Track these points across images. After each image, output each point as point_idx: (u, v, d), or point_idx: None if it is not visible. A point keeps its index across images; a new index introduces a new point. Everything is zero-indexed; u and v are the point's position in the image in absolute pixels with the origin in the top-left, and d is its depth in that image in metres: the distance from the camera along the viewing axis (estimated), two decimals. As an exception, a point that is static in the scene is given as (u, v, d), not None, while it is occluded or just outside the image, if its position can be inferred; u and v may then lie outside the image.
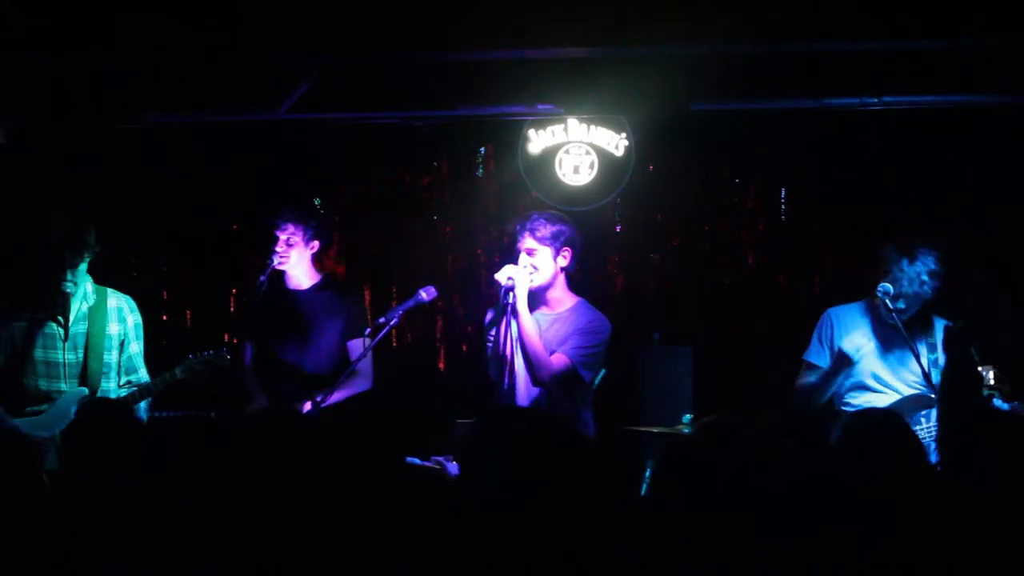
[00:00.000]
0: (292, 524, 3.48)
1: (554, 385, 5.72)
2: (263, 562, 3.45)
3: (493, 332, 5.83)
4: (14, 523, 3.62)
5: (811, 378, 5.95)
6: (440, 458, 5.66)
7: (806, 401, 5.93)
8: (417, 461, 5.57)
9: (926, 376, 5.80)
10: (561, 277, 5.86)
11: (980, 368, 5.78)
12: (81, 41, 5.92)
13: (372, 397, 6.40)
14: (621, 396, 7.27)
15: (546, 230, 5.79)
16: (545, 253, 5.80)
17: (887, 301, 5.76)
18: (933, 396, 5.80)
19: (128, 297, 6.25)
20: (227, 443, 3.90)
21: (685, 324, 7.56)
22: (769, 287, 7.47)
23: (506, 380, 5.72)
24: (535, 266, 5.79)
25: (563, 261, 5.83)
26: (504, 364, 5.71)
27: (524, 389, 5.78)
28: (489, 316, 5.98)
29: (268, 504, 3.57)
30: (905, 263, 5.77)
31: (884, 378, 5.93)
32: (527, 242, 5.80)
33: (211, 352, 6.12)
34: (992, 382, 5.85)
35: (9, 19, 5.83)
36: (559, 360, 5.72)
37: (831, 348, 5.96)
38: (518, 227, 5.86)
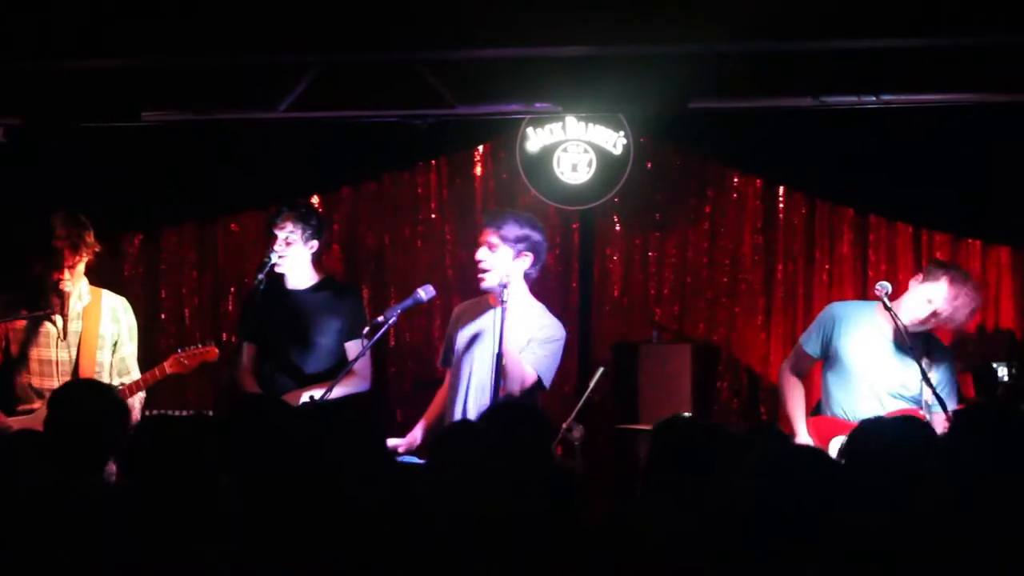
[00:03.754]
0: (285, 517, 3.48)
1: (517, 393, 5.64)
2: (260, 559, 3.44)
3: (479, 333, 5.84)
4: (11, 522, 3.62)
5: (796, 361, 6.12)
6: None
7: (783, 381, 6.11)
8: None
9: (933, 391, 5.72)
10: (519, 280, 5.83)
11: (994, 365, 5.91)
12: (80, 40, 5.91)
13: (370, 396, 6.39)
14: (620, 395, 7.27)
15: (509, 231, 5.78)
16: (503, 252, 5.79)
17: (885, 300, 5.77)
18: (923, 412, 5.74)
19: (123, 299, 6.25)
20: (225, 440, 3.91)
21: (685, 324, 7.55)
22: (769, 286, 7.45)
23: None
24: (492, 263, 5.78)
25: (521, 264, 5.81)
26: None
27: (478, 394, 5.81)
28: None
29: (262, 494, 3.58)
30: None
31: (880, 386, 5.89)
32: (489, 237, 5.81)
33: (198, 345, 6.12)
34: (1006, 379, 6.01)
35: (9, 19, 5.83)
36: (531, 376, 5.69)
37: (826, 341, 5.99)
38: (486, 219, 5.90)
